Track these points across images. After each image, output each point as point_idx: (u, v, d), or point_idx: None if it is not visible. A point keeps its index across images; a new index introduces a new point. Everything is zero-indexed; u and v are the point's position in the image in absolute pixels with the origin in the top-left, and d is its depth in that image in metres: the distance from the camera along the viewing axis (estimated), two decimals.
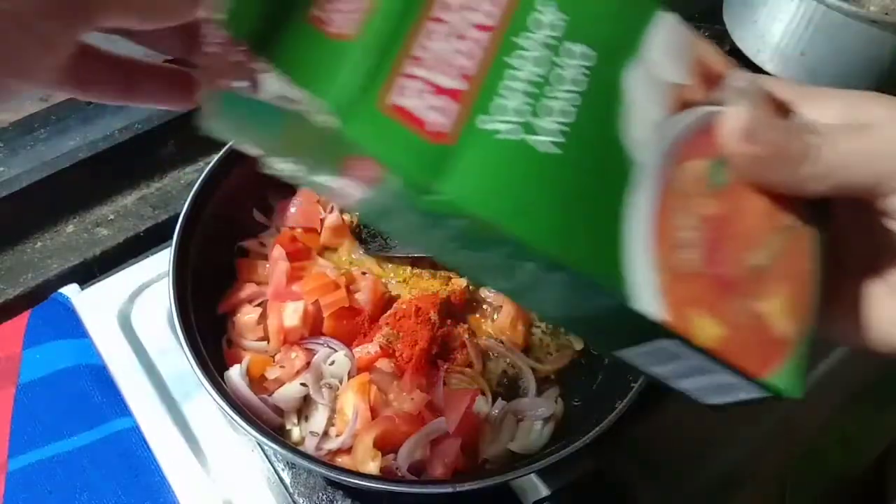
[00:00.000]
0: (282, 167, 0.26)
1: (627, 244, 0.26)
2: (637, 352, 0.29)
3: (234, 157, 0.64)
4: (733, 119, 0.29)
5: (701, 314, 0.27)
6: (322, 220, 0.69)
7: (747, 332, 0.28)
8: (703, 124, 0.30)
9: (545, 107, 0.26)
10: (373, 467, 0.54)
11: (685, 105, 0.29)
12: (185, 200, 0.60)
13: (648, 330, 0.27)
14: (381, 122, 0.23)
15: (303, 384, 0.58)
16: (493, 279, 0.30)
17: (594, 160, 0.26)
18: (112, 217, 0.76)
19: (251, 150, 0.26)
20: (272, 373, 0.59)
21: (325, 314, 0.61)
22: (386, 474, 0.54)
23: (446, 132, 0.23)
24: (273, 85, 0.22)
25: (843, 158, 0.29)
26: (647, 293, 0.26)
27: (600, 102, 0.27)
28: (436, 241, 0.27)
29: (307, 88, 0.22)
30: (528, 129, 0.25)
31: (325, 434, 0.57)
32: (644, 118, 0.28)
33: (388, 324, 0.62)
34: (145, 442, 0.59)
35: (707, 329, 0.27)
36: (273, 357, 0.60)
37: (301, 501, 0.57)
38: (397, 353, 0.60)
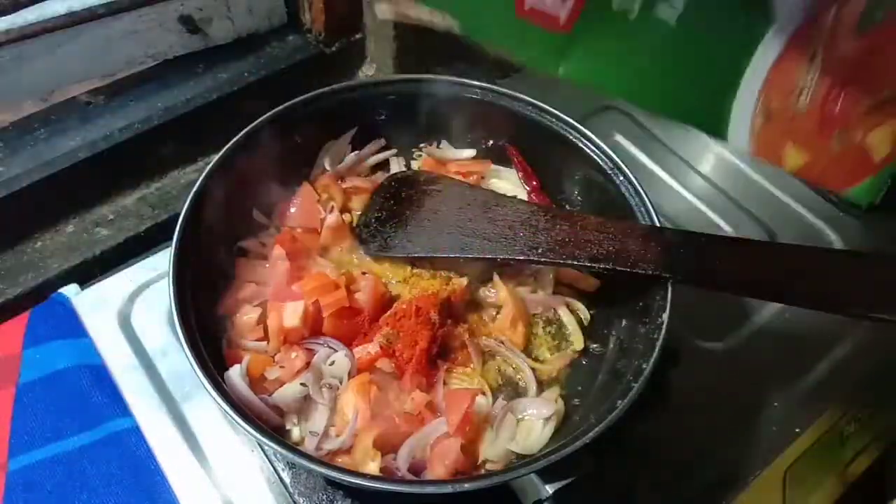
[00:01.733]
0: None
1: (740, 92, 0.33)
2: None
3: (234, 157, 0.64)
4: None
5: (791, 146, 0.34)
6: (322, 220, 0.69)
7: (836, 158, 0.35)
8: None
9: None
10: (373, 467, 0.54)
11: None
12: (185, 200, 0.60)
13: None
14: (516, 24, 0.32)
15: (303, 384, 0.58)
16: None
17: (720, 22, 0.32)
18: (112, 217, 0.76)
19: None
20: (272, 373, 0.59)
21: (325, 314, 0.61)
22: (386, 474, 0.54)
23: (568, 22, 0.32)
24: None
25: None
26: (742, 134, 0.34)
27: None
28: None
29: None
30: (647, 6, 0.32)
31: (325, 434, 0.57)
32: None
33: (388, 324, 0.62)
34: (145, 442, 0.59)
35: (792, 158, 0.35)
36: (273, 357, 0.60)
37: (301, 501, 0.57)
38: (397, 353, 0.60)
